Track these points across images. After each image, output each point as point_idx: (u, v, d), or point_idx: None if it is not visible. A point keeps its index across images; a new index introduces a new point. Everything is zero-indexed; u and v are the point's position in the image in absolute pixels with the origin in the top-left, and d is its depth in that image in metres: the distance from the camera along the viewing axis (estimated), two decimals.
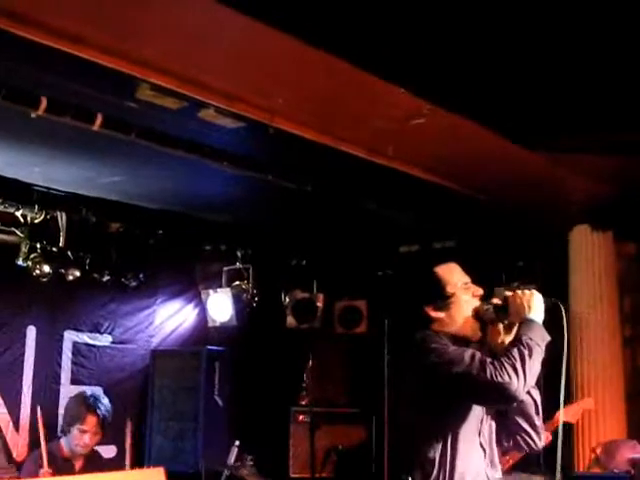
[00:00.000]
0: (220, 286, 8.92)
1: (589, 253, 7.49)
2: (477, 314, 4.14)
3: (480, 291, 4.22)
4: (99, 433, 6.57)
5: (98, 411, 6.51)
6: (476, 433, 4.03)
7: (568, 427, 6.87)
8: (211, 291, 8.90)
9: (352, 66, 4.59)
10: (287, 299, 9.02)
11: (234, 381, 8.44)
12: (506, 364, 3.78)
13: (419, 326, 4.15)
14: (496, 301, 4.11)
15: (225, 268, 9.00)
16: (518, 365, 3.78)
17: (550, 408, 6.65)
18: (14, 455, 7.29)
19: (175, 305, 8.92)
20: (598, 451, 6.40)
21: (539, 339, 3.94)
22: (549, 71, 4.85)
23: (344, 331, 9.14)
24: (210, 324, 8.94)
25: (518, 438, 4.22)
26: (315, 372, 8.52)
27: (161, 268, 8.60)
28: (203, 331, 9.01)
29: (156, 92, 4.89)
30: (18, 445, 7.34)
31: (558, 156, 6.13)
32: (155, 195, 7.48)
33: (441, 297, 4.13)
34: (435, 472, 3.90)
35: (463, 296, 4.15)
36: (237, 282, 8.92)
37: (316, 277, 8.98)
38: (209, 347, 8.47)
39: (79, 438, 6.46)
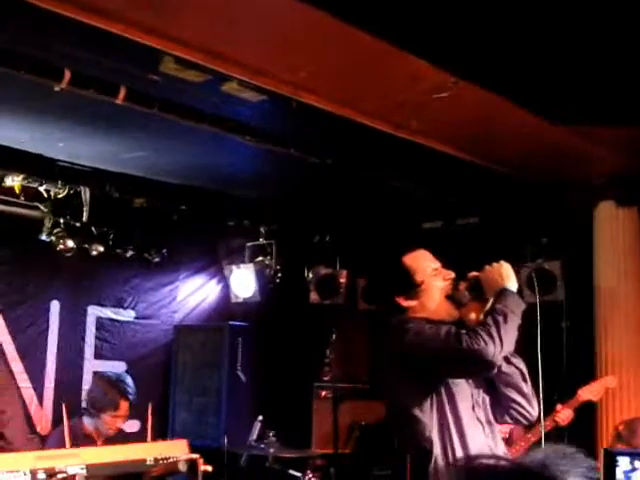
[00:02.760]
0: (243, 262, 8.92)
1: (614, 229, 7.43)
2: (452, 299, 4.15)
3: (451, 274, 4.27)
4: (127, 417, 6.55)
5: (130, 396, 6.46)
6: (470, 408, 4.05)
7: (591, 405, 6.84)
8: (234, 267, 8.91)
9: (376, 39, 4.56)
10: (310, 275, 9.01)
11: (257, 357, 8.47)
12: (480, 332, 3.82)
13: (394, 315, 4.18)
14: (464, 284, 4.13)
15: (248, 244, 9.00)
16: (493, 330, 3.83)
17: (572, 386, 6.69)
18: (38, 429, 7.34)
19: (198, 281, 8.95)
20: (620, 428, 6.38)
21: (514, 306, 4.01)
22: (572, 41, 4.80)
23: (367, 307, 9.12)
24: (233, 300, 8.96)
25: (512, 411, 4.24)
26: (338, 348, 8.51)
27: (184, 244, 8.62)
28: (226, 307, 9.03)
29: (180, 65, 4.87)
30: (42, 419, 7.39)
31: (583, 129, 6.09)
32: (178, 170, 7.47)
33: (411, 286, 4.17)
34: (436, 450, 3.94)
35: (434, 282, 4.20)
36: (260, 258, 8.92)
37: (339, 253, 8.96)
38: (232, 322, 8.50)
39: (111, 423, 6.35)
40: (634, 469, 4.74)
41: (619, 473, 4.71)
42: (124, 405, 6.42)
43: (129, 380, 6.62)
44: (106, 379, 6.68)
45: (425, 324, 4.03)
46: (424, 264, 4.26)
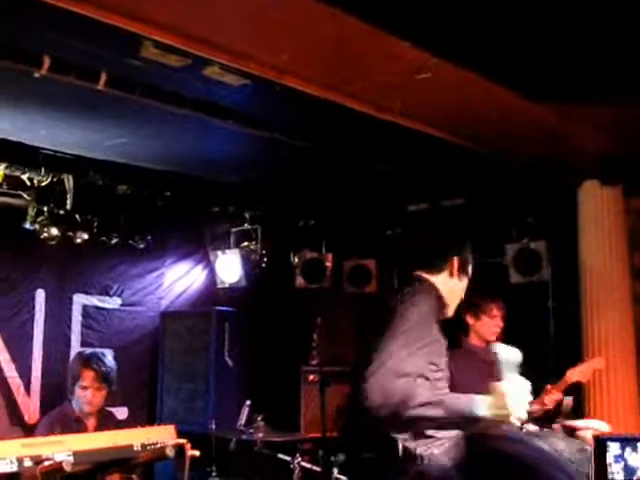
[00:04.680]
0: (229, 247, 8.92)
1: (598, 208, 7.44)
2: None
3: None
4: (102, 388, 6.53)
5: (94, 365, 6.51)
6: None
7: (579, 386, 6.85)
8: (220, 252, 8.90)
9: (358, 19, 4.54)
10: (296, 259, 9.01)
11: (244, 342, 8.47)
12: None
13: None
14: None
15: (233, 229, 9.00)
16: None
17: (560, 369, 6.71)
18: (26, 418, 7.33)
19: (184, 267, 8.93)
20: None
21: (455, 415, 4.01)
22: (556, 21, 4.79)
23: (353, 290, 9.13)
24: (219, 285, 8.96)
25: None
26: (325, 332, 8.50)
27: (169, 230, 8.60)
28: (212, 292, 9.03)
29: (160, 50, 4.84)
30: (29, 408, 7.37)
31: (566, 109, 6.09)
32: (162, 157, 7.44)
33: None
34: None
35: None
36: (246, 243, 8.93)
37: (325, 237, 8.97)
38: (218, 308, 8.48)
39: (82, 395, 6.48)
40: (624, 453, 4.80)
41: (609, 458, 4.76)
42: (88, 374, 6.47)
43: (102, 355, 6.66)
44: (76, 354, 6.78)
45: (415, 324, 4.11)
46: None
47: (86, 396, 6.48)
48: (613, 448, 4.78)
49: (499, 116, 6.22)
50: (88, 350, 6.97)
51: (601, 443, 4.80)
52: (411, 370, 3.91)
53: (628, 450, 4.76)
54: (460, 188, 8.28)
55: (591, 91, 5.82)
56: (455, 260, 4.40)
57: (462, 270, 4.45)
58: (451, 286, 4.42)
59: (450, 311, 4.51)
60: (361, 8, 4.46)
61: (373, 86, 5.63)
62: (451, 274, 4.40)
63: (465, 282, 4.49)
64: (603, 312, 7.35)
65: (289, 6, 4.46)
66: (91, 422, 6.53)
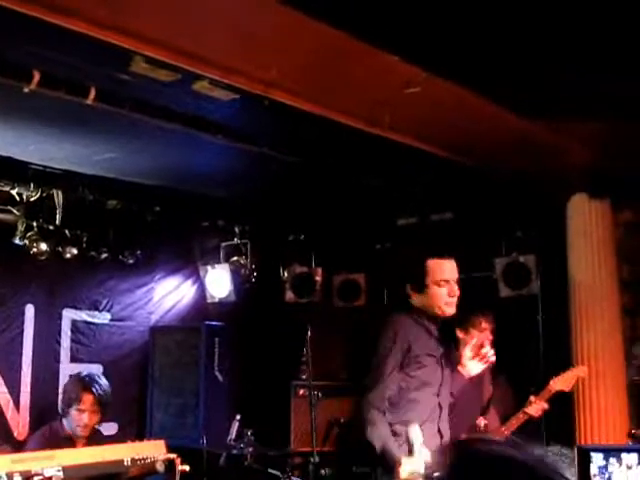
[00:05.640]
0: (218, 262, 8.91)
1: (587, 222, 7.47)
2: None
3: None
4: (97, 412, 6.56)
5: (94, 389, 6.52)
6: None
7: (565, 395, 6.88)
8: (209, 267, 8.89)
9: (346, 34, 4.56)
10: (286, 274, 9.02)
11: (234, 356, 8.45)
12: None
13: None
14: None
15: (223, 244, 8.99)
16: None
17: (545, 377, 6.74)
18: (15, 434, 7.29)
19: (173, 281, 8.92)
20: None
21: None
22: (544, 37, 4.82)
23: (343, 305, 9.14)
24: (209, 300, 8.94)
25: None
26: (315, 346, 8.50)
27: (159, 245, 8.58)
28: (202, 307, 9.01)
29: (150, 65, 4.85)
30: (19, 424, 7.34)
31: (555, 123, 6.12)
32: (151, 171, 7.44)
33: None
34: None
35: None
36: (235, 257, 8.91)
37: (314, 251, 8.97)
38: (208, 323, 8.47)
39: (78, 418, 6.46)
40: (608, 465, 4.79)
41: (593, 469, 4.75)
42: (87, 398, 6.46)
43: (98, 378, 6.67)
44: (74, 376, 6.77)
45: (391, 353, 4.89)
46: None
47: (82, 419, 6.46)
48: (597, 459, 4.77)
49: (488, 130, 6.24)
50: (85, 372, 6.92)
51: (585, 454, 4.79)
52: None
53: (612, 461, 4.75)
54: (449, 202, 8.30)
55: (579, 106, 5.86)
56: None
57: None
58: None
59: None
60: (350, 23, 4.49)
61: (362, 100, 5.65)
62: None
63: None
64: (592, 325, 7.37)
65: (278, 21, 4.48)
66: (81, 442, 6.52)
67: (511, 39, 4.86)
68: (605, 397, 7.21)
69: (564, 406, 7.00)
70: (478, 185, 7.55)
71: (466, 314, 6.63)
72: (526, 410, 6.49)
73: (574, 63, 5.22)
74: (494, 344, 6.70)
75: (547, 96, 5.71)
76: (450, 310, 5.09)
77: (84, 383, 6.57)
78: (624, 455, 4.82)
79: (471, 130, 6.26)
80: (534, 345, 7.81)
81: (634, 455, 4.73)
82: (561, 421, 7.10)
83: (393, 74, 5.13)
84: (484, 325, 6.61)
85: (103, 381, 6.70)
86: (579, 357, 7.34)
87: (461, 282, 5.08)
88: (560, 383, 6.58)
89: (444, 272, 4.97)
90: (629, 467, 4.69)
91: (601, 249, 7.47)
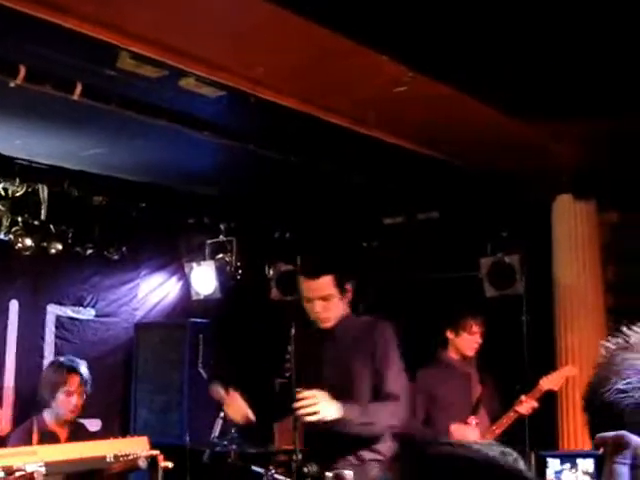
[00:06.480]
0: (204, 259, 8.90)
1: (572, 222, 7.48)
2: None
3: None
4: (83, 393, 6.53)
5: (79, 369, 6.51)
6: None
7: (552, 395, 6.91)
8: (194, 264, 8.88)
9: (333, 33, 4.55)
10: (271, 271, 9.01)
11: (218, 353, 8.44)
12: None
13: None
14: None
15: (208, 241, 8.98)
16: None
17: (533, 378, 6.75)
18: None
19: (158, 278, 8.91)
20: None
21: None
22: (531, 36, 4.83)
23: None
24: (194, 297, 8.93)
25: None
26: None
27: (144, 241, 8.57)
28: (187, 304, 9.00)
29: (136, 61, 4.84)
30: (2, 420, 7.33)
31: (541, 123, 6.13)
32: (137, 168, 7.44)
33: None
34: None
35: None
36: (221, 255, 8.90)
37: (299, 249, 8.96)
38: (193, 320, 8.48)
39: (67, 401, 6.43)
40: (563, 470, 4.82)
41: (550, 474, 4.78)
42: (74, 379, 6.45)
43: (78, 360, 6.64)
44: (54, 363, 6.75)
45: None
46: None
47: (71, 401, 6.44)
48: (553, 464, 4.79)
49: (474, 130, 6.25)
50: (62, 357, 6.92)
51: (541, 459, 4.81)
52: None
53: (567, 466, 4.77)
54: (435, 202, 8.31)
55: (565, 106, 5.87)
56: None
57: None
58: None
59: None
60: (337, 22, 4.48)
61: (348, 99, 5.66)
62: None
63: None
64: (576, 325, 7.39)
65: (265, 19, 4.47)
66: (63, 434, 6.50)
67: (497, 39, 4.87)
68: None
69: (548, 406, 7.02)
70: (464, 185, 7.56)
71: (457, 315, 6.70)
72: (517, 409, 6.53)
73: (560, 62, 5.23)
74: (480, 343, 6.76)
75: (533, 96, 5.72)
76: (324, 324, 5.20)
77: (67, 366, 6.55)
78: (579, 460, 4.85)
79: (457, 129, 6.27)
80: (518, 345, 7.82)
81: (590, 460, 4.76)
82: (545, 423, 7.12)
83: (379, 73, 5.12)
84: (474, 329, 6.68)
85: (82, 361, 6.69)
86: (563, 357, 7.35)
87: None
88: (549, 382, 6.64)
89: (307, 291, 5.14)
90: (585, 472, 4.72)
91: (586, 250, 7.49)
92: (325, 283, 5.04)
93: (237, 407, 5.32)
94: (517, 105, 5.78)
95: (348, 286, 5.15)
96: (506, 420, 6.54)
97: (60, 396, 6.46)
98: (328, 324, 5.14)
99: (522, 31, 4.77)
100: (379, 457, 4.94)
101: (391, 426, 4.93)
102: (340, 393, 4.79)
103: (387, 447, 4.99)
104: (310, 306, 5.12)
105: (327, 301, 5.07)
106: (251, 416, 5.16)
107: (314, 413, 4.55)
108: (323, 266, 5.09)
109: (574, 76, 5.40)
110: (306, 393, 4.60)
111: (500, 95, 5.61)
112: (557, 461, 4.74)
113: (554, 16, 4.60)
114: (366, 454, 4.88)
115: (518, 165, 6.93)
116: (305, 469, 4.43)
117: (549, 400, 6.97)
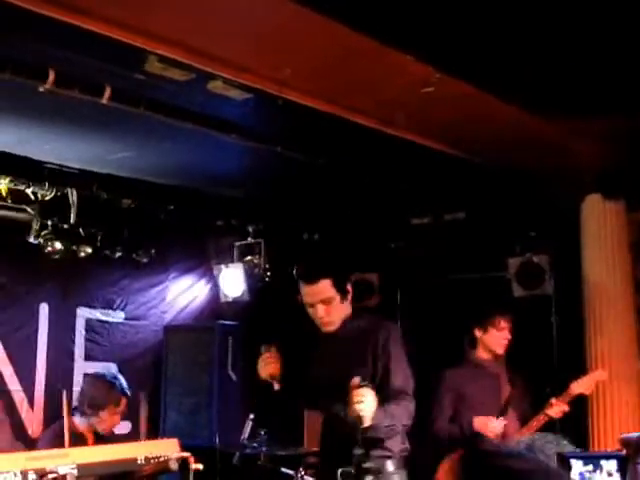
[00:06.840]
0: (232, 261, 8.92)
1: (601, 222, 7.43)
2: None
3: None
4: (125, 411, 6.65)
5: (128, 392, 6.57)
6: None
7: (582, 399, 6.87)
8: (223, 266, 8.90)
9: (360, 34, 4.56)
10: None
11: (247, 355, 8.42)
12: None
13: None
14: None
15: (237, 243, 9.00)
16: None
17: (563, 380, 6.72)
18: (29, 432, 7.32)
19: (187, 281, 8.93)
20: None
21: None
22: (556, 35, 4.81)
23: (356, 304, 9.10)
24: (222, 299, 8.96)
25: None
26: None
27: (173, 244, 8.61)
28: (215, 306, 9.03)
29: (164, 64, 4.86)
30: (33, 422, 7.37)
31: (569, 123, 6.10)
32: (165, 170, 7.46)
33: None
34: None
35: None
36: (249, 257, 8.91)
37: (327, 250, 8.96)
38: (222, 322, 8.49)
39: (110, 421, 6.46)
40: (587, 471, 4.82)
41: (574, 475, 4.79)
42: (124, 402, 6.51)
43: (122, 378, 6.68)
44: (103, 378, 6.74)
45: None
46: None
47: (114, 421, 6.51)
48: (577, 466, 4.79)
49: (502, 130, 6.23)
50: (108, 374, 6.82)
51: (565, 460, 4.80)
52: None
53: (591, 467, 4.77)
54: (462, 202, 8.29)
55: (593, 105, 5.84)
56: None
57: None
58: None
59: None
60: (364, 22, 4.48)
61: (376, 100, 5.65)
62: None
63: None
64: (606, 325, 7.34)
65: (292, 21, 4.48)
66: (91, 437, 6.53)
67: (525, 38, 4.86)
68: (619, 399, 7.17)
69: (578, 409, 6.98)
70: (490, 185, 7.54)
71: (484, 313, 6.68)
72: (547, 412, 6.48)
73: (588, 62, 5.21)
74: (509, 344, 6.73)
75: (561, 95, 5.70)
76: (327, 328, 5.16)
77: (120, 386, 6.55)
78: (603, 462, 4.86)
79: (486, 130, 6.25)
80: (548, 346, 7.79)
81: (613, 462, 4.76)
82: (575, 424, 7.07)
83: (407, 74, 5.12)
84: (502, 324, 6.65)
85: (124, 380, 6.73)
86: (593, 358, 7.31)
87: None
88: (580, 386, 6.58)
89: (307, 296, 5.10)
90: (609, 474, 4.72)
91: (615, 249, 7.44)
92: (324, 287, 5.02)
93: (269, 365, 5.42)
94: (546, 105, 5.76)
95: (348, 287, 5.13)
96: (536, 423, 6.50)
97: (105, 414, 6.46)
98: (332, 328, 5.13)
99: (542, 31, 4.76)
100: (388, 453, 4.90)
101: (405, 425, 4.90)
102: (342, 393, 4.75)
103: (397, 443, 4.95)
104: (313, 311, 5.10)
105: (328, 304, 5.05)
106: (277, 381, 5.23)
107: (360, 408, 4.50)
108: (319, 270, 5.06)
109: (603, 74, 5.37)
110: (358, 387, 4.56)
111: (528, 95, 5.59)
112: (580, 462, 4.74)
113: (574, 15, 4.59)
114: (377, 452, 4.84)
115: (547, 165, 6.89)
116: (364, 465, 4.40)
117: (580, 403, 6.93)
